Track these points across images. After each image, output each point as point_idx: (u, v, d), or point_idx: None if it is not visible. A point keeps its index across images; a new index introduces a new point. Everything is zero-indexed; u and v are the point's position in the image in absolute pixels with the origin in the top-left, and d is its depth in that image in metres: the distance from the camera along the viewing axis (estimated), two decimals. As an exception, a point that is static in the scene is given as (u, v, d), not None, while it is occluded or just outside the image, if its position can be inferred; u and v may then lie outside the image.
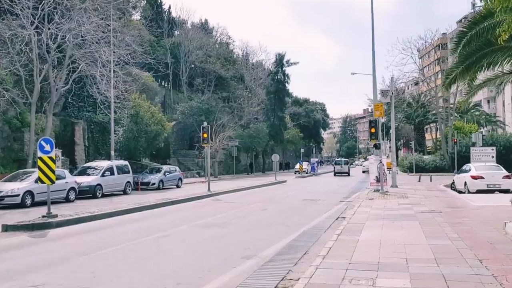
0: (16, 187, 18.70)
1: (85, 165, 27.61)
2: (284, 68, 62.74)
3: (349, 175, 51.79)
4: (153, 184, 29.32)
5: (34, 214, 14.57)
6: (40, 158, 13.31)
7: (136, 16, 51.40)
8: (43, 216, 13.27)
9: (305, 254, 8.65)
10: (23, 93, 25.03)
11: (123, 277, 7.20)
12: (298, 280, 6.53)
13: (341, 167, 53.74)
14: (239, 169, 57.35)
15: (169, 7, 63.08)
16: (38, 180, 14.18)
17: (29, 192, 18.77)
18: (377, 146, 23.10)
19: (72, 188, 21.53)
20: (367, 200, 18.50)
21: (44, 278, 7.08)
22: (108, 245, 9.89)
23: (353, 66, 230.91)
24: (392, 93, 27.96)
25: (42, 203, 17.38)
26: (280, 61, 62.54)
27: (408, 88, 78.70)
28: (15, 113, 26.69)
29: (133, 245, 9.97)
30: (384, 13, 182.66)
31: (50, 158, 13.42)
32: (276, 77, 62.30)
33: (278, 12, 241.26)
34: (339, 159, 65.35)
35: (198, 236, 11.31)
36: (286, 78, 63.38)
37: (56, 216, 13.48)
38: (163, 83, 57.79)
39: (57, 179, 19.90)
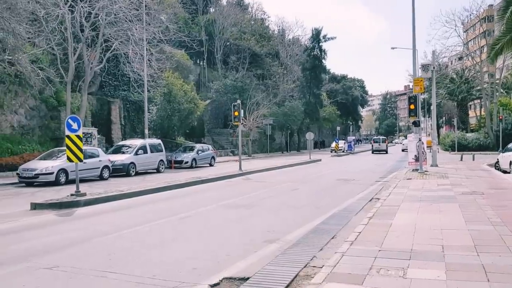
0: (50, 165, 18.90)
1: (119, 143, 27.92)
2: (320, 44, 60.94)
3: (387, 152, 52.96)
4: (186, 162, 29.42)
5: (66, 192, 14.50)
6: (68, 137, 13.21)
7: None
8: (72, 195, 13.28)
9: (332, 238, 8.15)
10: (58, 72, 25.28)
11: (138, 261, 6.92)
12: (322, 267, 6.05)
13: (379, 145, 54.63)
14: (274, 148, 56.90)
15: (204, -16, 62.28)
16: (70, 158, 14.14)
17: (63, 170, 18.94)
18: (416, 123, 22.11)
19: (106, 166, 21.73)
20: (405, 180, 17.70)
21: (59, 260, 6.89)
22: (131, 225, 9.71)
23: (395, 41, 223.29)
24: (434, 68, 26.62)
25: (77, 181, 17.52)
26: (316, 36, 60.75)
27: (451, 63, 75.38)
28: (51, 92, 27.04)
29: (156, 226, 9.75)
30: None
31: (78, 136, 13.33)
32: (312, 53, 60.61)
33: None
34: (377, 137, 65.83)
35: (222, 217, 10.98)
36: (323, 54, 61.50)
37: (84, 194, 13.48)
38: (198, 61, 57.61)
39: (90, 157, 20.44)
